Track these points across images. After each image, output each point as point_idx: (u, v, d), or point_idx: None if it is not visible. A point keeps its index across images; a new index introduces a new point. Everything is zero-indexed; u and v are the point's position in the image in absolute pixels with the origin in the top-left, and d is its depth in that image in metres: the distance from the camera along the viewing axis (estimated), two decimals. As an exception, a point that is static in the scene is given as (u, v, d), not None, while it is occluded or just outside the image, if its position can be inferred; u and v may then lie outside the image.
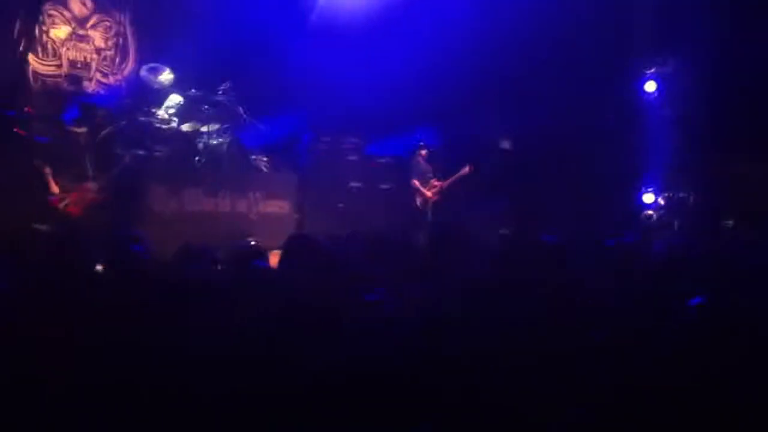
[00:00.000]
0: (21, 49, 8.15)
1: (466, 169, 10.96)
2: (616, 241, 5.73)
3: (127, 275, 3.66)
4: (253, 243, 5.13)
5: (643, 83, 11.87)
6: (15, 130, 8.38)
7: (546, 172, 11.88)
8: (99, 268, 3.78)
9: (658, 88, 11.65)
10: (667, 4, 11.20)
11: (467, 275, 3.48)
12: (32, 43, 8.70)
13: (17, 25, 9.53)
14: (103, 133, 9.14)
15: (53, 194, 8.05)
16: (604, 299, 3.12)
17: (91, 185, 8.30)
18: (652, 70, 11.70)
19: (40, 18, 9.77)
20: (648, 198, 11.47)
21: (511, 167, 12.07)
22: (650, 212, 11.01)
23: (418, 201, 10.85)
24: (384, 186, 11.29)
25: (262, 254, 4.08)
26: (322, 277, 3.61)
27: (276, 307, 2.90)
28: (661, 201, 11.54)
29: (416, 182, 10.86)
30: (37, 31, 9.58)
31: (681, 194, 11.52)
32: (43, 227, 6.42)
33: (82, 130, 8.85)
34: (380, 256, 4.15)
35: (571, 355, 2.62)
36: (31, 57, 9.59)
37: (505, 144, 12.54)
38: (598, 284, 3.36)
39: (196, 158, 9.82)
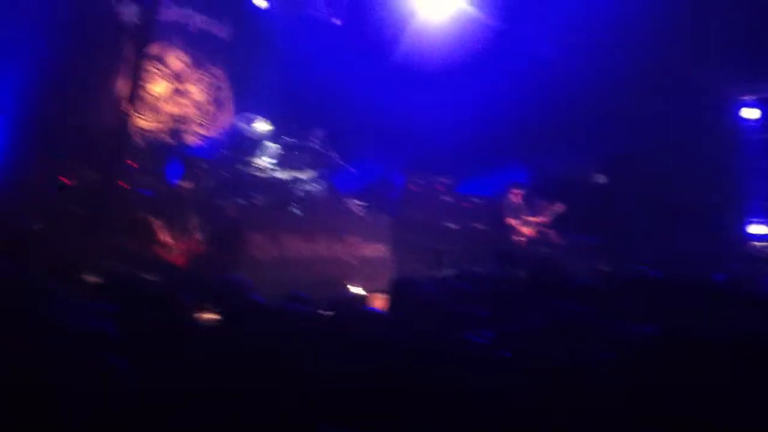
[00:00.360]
0: (123, 106, 8.43)
1: (559, 206, 10.83)
2: (725, 275, 5.50)
3: (238, 318, 3.67)
4: (354, 289, 5.14)
5: (743, 110, 11.55)
6: (120, 183, 8.64)
7: (645, 205, 11.60)
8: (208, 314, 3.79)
9: (762, 115, 11.32)
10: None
11: (566, 313, 3.38)
12: (134, 99, 8.98)
13: (119, 83, 9.94)
14: (204, 184, 9.35)
15: (159, 245, 8.22)
16: (713, 336, 2.96)
17: (195, 236, 8.45)
18: (753, 97, 11.37)
19: (141, 75, 10.15)
20: (755, 229, 11.06)
21: (608, 201, 11.84)
22: (760, 243, 10.60)
23: (514, 239, 10.72)
24: (479, 226, 11.20)
25: (364, 300, 4.13)
26: (430, 319, 3.60)
27: (388, 349, 2.90)
28: (769, 231, 11.13)
29: (511, 220, 10.75)
30: (138, 88, 9.96)
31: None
32: (150, 276, 6.54)
33: (184, 182, 9.07)
34: (481, 296, 4.12)
35: (681, 393, 2.50)
36: (133, 113, 9.93)
37: (600, 179, 12.34)
38: (706, 320, 3.19)
39: (294, 205, 9.94)
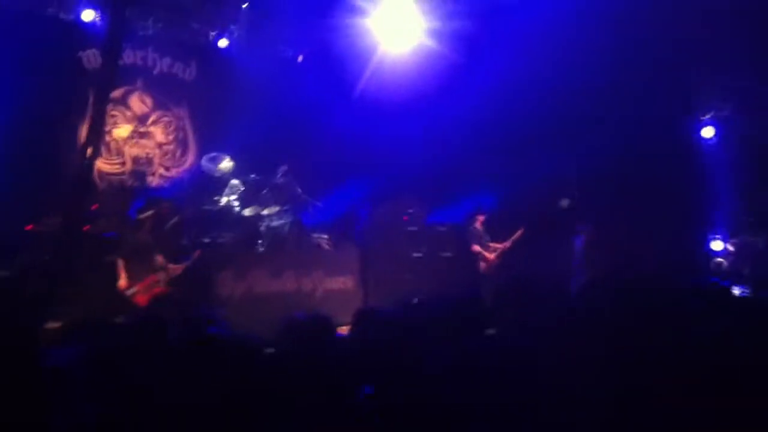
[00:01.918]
0: (88, 152, 8.49)
1: (521, 232, 11.00)
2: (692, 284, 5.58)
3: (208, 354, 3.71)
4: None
5: (701, 129, 11.80)
6: (83, 228, 8.68)
7: (608, 223, 11.77)
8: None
9: (716, 134, 11.57)
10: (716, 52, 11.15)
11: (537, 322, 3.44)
12: (98, 144, 9.05)
13: (82, 127, 10.03)
14: (169, 224, 9.40)
15: (123, 286, 8.25)
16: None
17: (160, 275, 8.49)
18: (709, 116, 11.63)
19: (103, 119, 10.25)
20: (716, 245, 11.25)
21: (572, 223, 12.00)
22: (720, 259, 10.78)
23: (482, 265, 10.84)
24: (446, 254, 11.30)
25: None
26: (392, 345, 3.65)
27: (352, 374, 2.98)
28: (730, 247, 11.31)
29: (477, 247, 10.88)
30: (100, 132, 10.05)
31: (750, 239, 11.27)
32: (116, 318, 6.58)
33: (148, 223, 9.10)
34: (448, 319, 4.16)
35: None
36: (96, 157, 10.00)
37: (563, 203, 12.50)
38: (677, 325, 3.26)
39: (259, 241, 10.00)
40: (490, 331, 3.85)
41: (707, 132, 11.71)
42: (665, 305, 3.81)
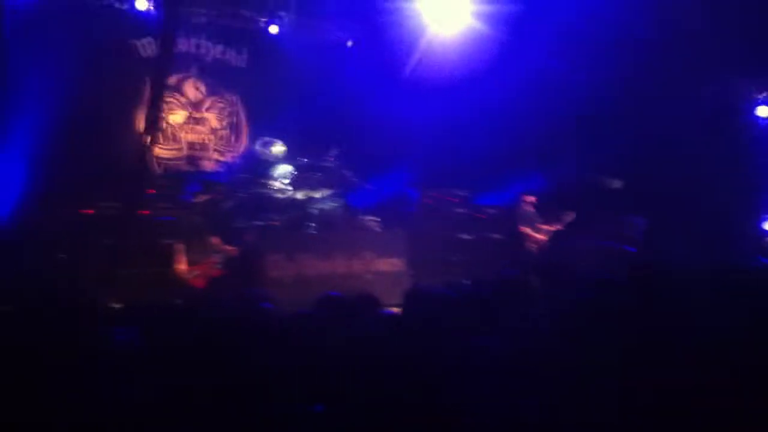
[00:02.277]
0: (145, 138, 8.75)
1: (572, 216, 10.94)
2: (744, 266, 5.55)
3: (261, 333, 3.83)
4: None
5: (755, 108, 11.57)
6: (141, 212, 8.96)
7: (660, 207, 11.66)
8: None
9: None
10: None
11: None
12: (155, 131, 9.32)
13: (138, 114, 10.33)
14: (223, 207, 9.63)
15: (183, 269, 8.49)
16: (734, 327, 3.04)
17: (217, 257, 8.71)
18: (764, 95, 11.40)
19: (160, 106, 10.52)
20: (768, 226, 11.09)
21: (623, 204, 11.91)
22: (773, 239, 10.63)
23: (530, 246, 10.84)
24: (494, 236, 11.34)
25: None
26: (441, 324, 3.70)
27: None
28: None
29: (525, 228, 10.88)
30: (157, 118, 10.33)
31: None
32: (174, 300, 6.81)
33: (203, 206, 9.36)
34: (498, 299, 4.20)
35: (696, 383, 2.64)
36: (153, 143, 10.28)
37: (614, 183, 12.42)
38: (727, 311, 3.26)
39: (310, 224, 10.17)
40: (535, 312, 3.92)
41: (762, 111, 11.48)
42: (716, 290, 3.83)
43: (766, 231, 11.02)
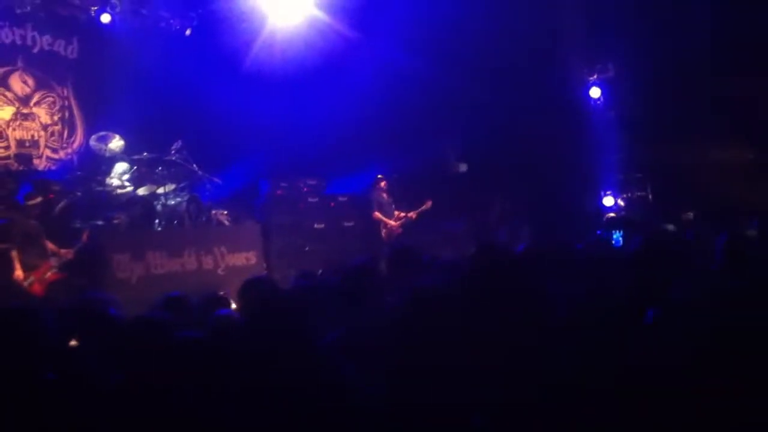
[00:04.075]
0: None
1: (428, 204, 11.10)
2: (584, 243, 5.79)
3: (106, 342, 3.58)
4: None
5: (588, 90, 12.13)
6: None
7: (505, 187, 12.04)
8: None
9: (602, 93, 11.92)
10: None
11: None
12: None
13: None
14: (59, 207, 9.06)
15: (19, 277, 7.90)
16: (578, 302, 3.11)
17: (53, 261, 8.17)
18: (595, 77, 11.97)
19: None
20: (608, 201, 11.65)
21: (469, 187, 12.22)
22: (612, 214, 11.16)
23: (383, 232, 10.89)
24: (347, 223, 11.32)
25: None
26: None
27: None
28: (621, 202, 11.73)
29: (378, 214, 10.91)
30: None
31: (639, 193, 11.73)
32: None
33: (37, 208, 8.71)
34: (349, 288, 4.13)
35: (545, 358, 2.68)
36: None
37: (461, 167, 12.71)
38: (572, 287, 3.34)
39: (156, 221, 9.75)
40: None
41: (595, 92, 12.05)
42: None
43: (604, 207, 11.57)
